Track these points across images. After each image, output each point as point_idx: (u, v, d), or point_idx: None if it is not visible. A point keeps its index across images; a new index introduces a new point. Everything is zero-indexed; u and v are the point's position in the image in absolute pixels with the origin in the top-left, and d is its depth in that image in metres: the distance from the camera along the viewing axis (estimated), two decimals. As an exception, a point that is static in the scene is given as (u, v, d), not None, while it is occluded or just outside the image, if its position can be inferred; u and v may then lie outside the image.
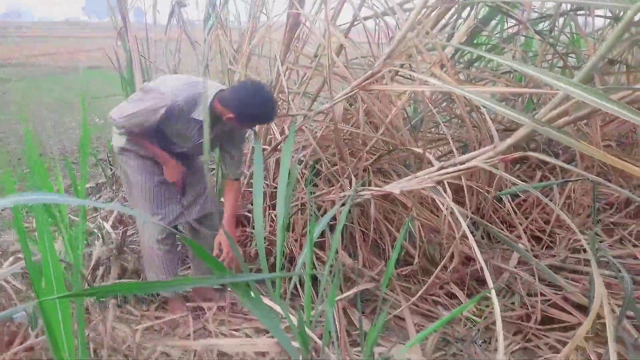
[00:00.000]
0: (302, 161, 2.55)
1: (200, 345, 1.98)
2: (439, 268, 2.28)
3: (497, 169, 1.70)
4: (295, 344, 1.63)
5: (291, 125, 2.12)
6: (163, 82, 2.05)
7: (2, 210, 3.57)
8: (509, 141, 1.44)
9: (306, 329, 1.60)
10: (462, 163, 1.58)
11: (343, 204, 2.16)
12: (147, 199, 2.22)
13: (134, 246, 2.78)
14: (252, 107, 1.88)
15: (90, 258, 2.49)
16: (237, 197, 2.27)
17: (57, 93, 8.51)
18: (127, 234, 2.69)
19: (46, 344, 2.02)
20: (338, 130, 2.19)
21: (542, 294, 2.30)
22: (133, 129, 2.03)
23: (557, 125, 1.29)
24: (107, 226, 2.66)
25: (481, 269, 1.66)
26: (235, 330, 2.36)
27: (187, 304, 2.48)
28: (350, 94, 2.00)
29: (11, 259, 2.48)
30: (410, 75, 2.50)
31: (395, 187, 1.72)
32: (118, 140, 2.20)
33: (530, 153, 1.52)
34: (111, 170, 4.12)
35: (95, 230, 2.78)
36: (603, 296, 1.21)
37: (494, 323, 2.30)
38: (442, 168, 1.76)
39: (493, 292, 1.28)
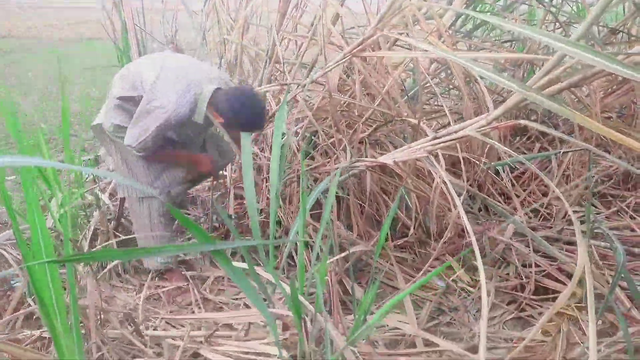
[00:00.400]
0: (299, 133, 2.53)
1: (198, 318, 2.02)
2: (439, 244, 2.29)
3: (492, 139, 1.69)
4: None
5: (285, 94, 2.10)
6: (157, 87, 1.99)
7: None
8: (500, 110, 1.42)
9: (299, 296, 1.61)
10: (455, 133, 1.57)
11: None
12: (147, 173, 2.27)
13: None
14: (241, 116, 1.95)
15: (88, 229, 2.51)
16: None
17: (58, 65, 8.43)
18: (125, 205, 2.70)
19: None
20: (333, 100, 2.17)
21: (536, 265, 2.31)
22: (152, 147, 2.10)
23: (549, 93, 1.27)
24: (105, 197, 2.67)
25: (471, 240, 1.66)
26: (235, 299, 2.40)
27: (186, 273, 2.52)
28: (343, 60, 1.97)
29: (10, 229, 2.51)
30: (409, 45, 2.46)
31: (388, 158, 1.71)
32: (113, 118, 2.12)
33: (523, 121, 1.50)
34: (110, 142, 4.12)
35: (94, 203, 2.79)
36: (586, 263, 1.21)
37: (487, 293, 2.33)
38: (435, 138, 1.75)
39: (479, 258, 1.28)
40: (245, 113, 1.95)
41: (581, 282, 2.20)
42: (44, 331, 1.92)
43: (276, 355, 1.78)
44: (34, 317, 2.07)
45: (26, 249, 1.02)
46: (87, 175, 3.31)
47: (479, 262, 1.25)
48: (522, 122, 1.51)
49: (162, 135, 2.08)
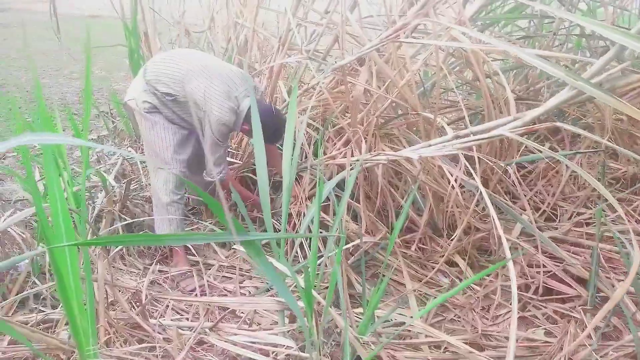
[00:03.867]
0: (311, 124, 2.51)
1: (207, 301, 2.01)
2: (452, 243, 2.27)
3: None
4: (300, 304, 1.64)
5: (294, 83, 2.08)
6: (210, 101, 2.25)
7: (4, 158, 3.54)
8: (541, 109, 1.40)
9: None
10: (481, 132, 1.55)
11: (352, 168, 2.15)
12: (170, 152, 2.40)
13: (137, 201, 2.78)
14: (265, 130, 2.24)
15: (93, 210, 2.49)
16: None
17: (57, 42, 8.31)
18: (130, 187, 2.68)
19: (51, 290, 2.05)
20: (355, 92, 2.14)
21: (543, 265, 2.32)
22: (222, 157, 2.44)
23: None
24: (110, 179, 2.64)
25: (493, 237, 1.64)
26: (240, 286, 2.39)
27: (189, 257, 2.50)
28: (379, 45, 1.93)
29: (15, 207, 2.48)
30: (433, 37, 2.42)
31: (412, 153, 1.69)
32: (148, 101, 2.34)
33: (559, 124, 1.48)
34: (113, 123, 4.07)
35: (98, 184, 2.77)
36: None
37: (493, 292, 2.34)
38: (456, 137, 1.73)
39: (511, 264, 1.27)
40: (268, 128, 2.27)
41: (586, 285, 2.23)
42: (49, 313, 1.90)
43: (283, 345, 1.77)
44: (38, 298, 2.06)
45: (49, 229, 1.00)
46: (91, 156, 3.27)
47: (510, 267, 1.23)
48: (559, 124, 1.49)
49: (224, 146, 2.42)
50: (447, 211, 2.59)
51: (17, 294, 2.02)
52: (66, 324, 1.74)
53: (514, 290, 1.22)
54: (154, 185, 2.44)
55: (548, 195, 2.92)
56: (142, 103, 2.34)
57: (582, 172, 1.40)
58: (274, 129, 2.33)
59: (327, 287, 2.34)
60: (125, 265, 2.46)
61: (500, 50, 2.42)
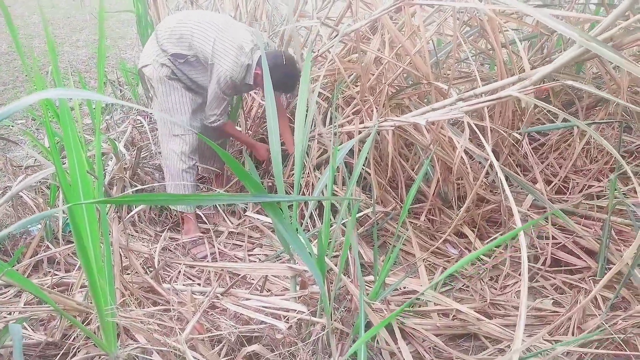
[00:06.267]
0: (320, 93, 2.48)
1: (220, 267, 2.03)
2: (460, 214, 2.27)
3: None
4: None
5: (309, 49, 2.04)
6: (217, 54, 2.26)
7: (12, 126, 3.54)
8: (549, 67, 1.37)
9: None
10: (488, 93, 1.52)
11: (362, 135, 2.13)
12: (186, 118, 2.42)
13: (148, 168, 2.79)
14: (276, 77, 2.01)
15: (104, 177, 2.49)
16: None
17: (63, 10, 8.20)
18: (141, 155, 2.68)
19: (64, 254, 2.07)
20: (364, 58, 2.10)
21: (552, 237, 2.32)
22: (223, 111, 2.42)
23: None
24: (120, 146, 2.64)
25: (503, 209, 1.64)
26: (249, 253, 2.42)
27: (200, 224, 2.52)
28: (393, 7, 1.89)
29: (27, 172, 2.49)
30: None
31: (420, 118, 1.67)
32: (160, 68, 2.34)
33: (570, 82, 1.46)
34: (121, 91, 4.05)
35: (110, 151, 2.76)
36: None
37: (502, 262, 2.35)
38: (460, 99, 1.70)
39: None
40: (282, 72, 2.20)
41: (596, 257, 2.24)
42: (63, 276, 1.93)
43: (295, 310, 1.80)
44: (51, 262, 2.09)
45: (69, 189, 1.00)
46: (101, 124, 3.26)
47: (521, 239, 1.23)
48: (570, 82, 1.46)
49: (228, 99, 2.40)
50: (456, 182, 2.59)
51: (30, 258, 2.06)
52: (81, 286, 1.77)
53: (524, 259, 1.22)
54: (168, 152, 2.44)
55: (559, 168, 2.90)
56: (160, 68, 2.33)
57: (599, 138, 1.38)
58: (285, 76, 2.28)
59: (336, 256, 2.36)
60: (137, 232, 2.48)
61: (516, 18, 2.37)
